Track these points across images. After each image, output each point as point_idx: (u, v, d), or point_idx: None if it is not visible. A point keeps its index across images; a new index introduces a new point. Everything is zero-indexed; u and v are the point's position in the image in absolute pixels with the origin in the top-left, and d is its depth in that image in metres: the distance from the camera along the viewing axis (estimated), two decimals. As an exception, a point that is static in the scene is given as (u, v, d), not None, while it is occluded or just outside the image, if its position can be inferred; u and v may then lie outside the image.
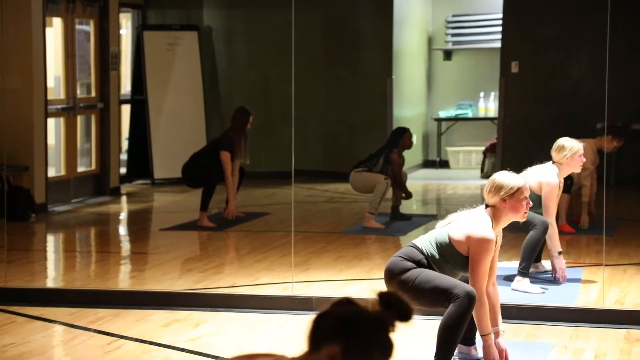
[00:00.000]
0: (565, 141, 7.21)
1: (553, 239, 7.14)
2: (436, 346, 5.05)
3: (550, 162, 7.21)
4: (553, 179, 7.09)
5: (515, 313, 6.42)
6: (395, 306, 2.48)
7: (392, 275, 5.10)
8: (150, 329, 6.21)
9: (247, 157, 10.04)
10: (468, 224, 5.09)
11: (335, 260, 8.22)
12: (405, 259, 5.11)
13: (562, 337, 6.06)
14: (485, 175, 13.04)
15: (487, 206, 5.16)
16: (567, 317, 6.40)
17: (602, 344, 5.91)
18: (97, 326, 6.25)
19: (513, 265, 7.34)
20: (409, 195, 9.99)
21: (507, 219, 5.17)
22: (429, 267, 5.12)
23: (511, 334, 6.14)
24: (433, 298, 5.03)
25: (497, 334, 5.27)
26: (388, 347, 2.50)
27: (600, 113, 9.20)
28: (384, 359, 2.49)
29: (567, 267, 7.82)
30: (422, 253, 5.14)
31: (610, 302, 6.74)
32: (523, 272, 7.01)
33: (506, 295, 6.84)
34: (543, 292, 6.94)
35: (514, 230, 6.39)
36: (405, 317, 2.48)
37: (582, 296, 6.94)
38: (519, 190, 5.12)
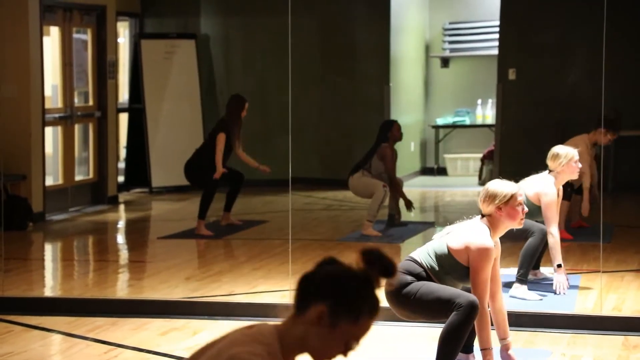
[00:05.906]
0: (559, 149, 7.20)
1: (553, 249, 6.99)
2: (436, 355, 5.04)
3: (547, 171, 7.20)
4: (550, 190, 7.06)
5: (513, 320, 6.40)
6: (377, 262, 2.49)
7: (393, 290, 5.09)
8: (148, 337, 6.21)
9: (241, 146, 9.98)
10: (466, 234, 5.09)
11: (333, 268, 8.20)
12: (404, 273, 5.08)
13: (559, 344, 6.07)
14: (483, 182, 13.02)
15: (483, 216, 5.18)
16: (564, 324, 6.40)
17: (599, 351, 5.92)
18: (94, 335, 6.25)
19: (511, 272, 7.35)
20: (409, 205, 9.77)
21: (505, 227, 5.18)
22: (429, 279, 5.11)
23: (509, 341, 6.15)
24: (436, 309, 5.02)
25: (506, 346, 5.31)
26: (374, 303, 2.50)
27: (597, 119, 9.24)
28: (371, 316, 2.50)
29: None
30: (421, 266, 5.12)
31: (607, 309, 6.75)
32: (521, 279, 7.02)
33: (504, 302, 6.84)
34: (541, 299, 6.94)
35: (512, 239, 6.39)
36: (389, 272, 2.48)
37: (579, 303, 6.94)
38: (512, 197, 5.13)
